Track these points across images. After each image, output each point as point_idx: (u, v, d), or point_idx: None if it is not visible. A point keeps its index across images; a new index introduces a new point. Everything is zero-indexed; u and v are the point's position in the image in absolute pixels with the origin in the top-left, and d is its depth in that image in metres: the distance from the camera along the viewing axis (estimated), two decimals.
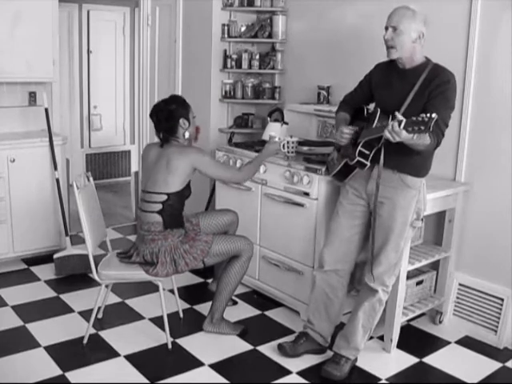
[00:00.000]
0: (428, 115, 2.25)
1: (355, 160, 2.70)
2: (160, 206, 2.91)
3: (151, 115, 3.04)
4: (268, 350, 3.04)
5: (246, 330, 3.18)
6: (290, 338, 3.08)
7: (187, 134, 3.00)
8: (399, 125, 2.33)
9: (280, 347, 2.98)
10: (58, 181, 4.16)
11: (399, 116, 2.38)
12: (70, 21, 6.22)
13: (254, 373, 2.87)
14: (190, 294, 3.75)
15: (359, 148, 2.67)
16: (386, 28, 2.63)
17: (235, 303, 3.56)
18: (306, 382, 2.78)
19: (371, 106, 2.85)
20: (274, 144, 3.13)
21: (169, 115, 2.96)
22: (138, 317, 3.38)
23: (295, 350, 2.96)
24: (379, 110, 2.64)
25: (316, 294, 2.98)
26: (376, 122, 2.60)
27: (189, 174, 2.96)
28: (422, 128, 2.28)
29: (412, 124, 2.30)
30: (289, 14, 4.22)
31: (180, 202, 2.99)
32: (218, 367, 2.86)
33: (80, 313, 3.40)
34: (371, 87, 2.87)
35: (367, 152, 2.67)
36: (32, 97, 4.45)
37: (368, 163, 2.70)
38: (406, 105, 2.62)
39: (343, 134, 2.76)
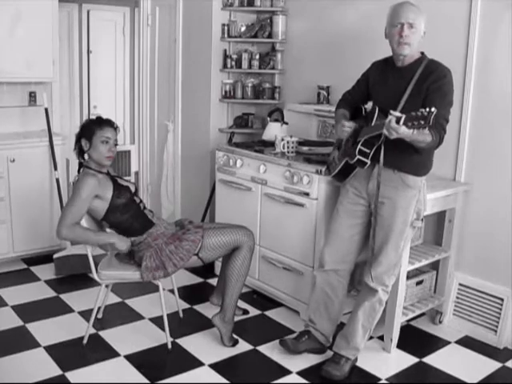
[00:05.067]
0: (427, 110, 2.26)
1: (355, 159, 2.70)
2: (116, 231, 2.97)
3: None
4: (268, 350, 3.04)
5: (237, 341, 3.11)
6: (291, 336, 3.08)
7: (86, 156, 2.97)
8: (398, 121, 2.33)
9: (282, 342, 2.98)
10: (57, 181, 4.16)
11: (397, 113, 2.38)
12: (70, 21, 6.21)
13: (254, 373, 2.87)
14: (190, 294, 3.75)
15: (359, 146, 2.67)
16: (401, 24, 2.59)
17: (246, 312, 3.49)
18: (306, 382, 2.78)
19: (369, 105, 2.86)
20: (126, 242, 2.91)
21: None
22: (137, 317, 3.38)
23: (297, 347, 2.95)
24: (377, 108, 2.64)
25: (316, 294, 2.98)
26: (375, 120, 2.60)
27: (92, 197, 2.85)
28: (422, 123, 2.28)
29: (412, 119, 2.30)
30: (289, 14, 4.22)
31: (120, 215, 2.92)
32: (217, 367, 2.86)
33: (80, 313, 3.40)
34: (368, 85, 2.88)
35: (367, 150, 2.67)
36: (32, 97, 4.45)
37: (368, 161, 2.70)
38: (403, 102, 2.63)
39: (344, 127, 2.76)
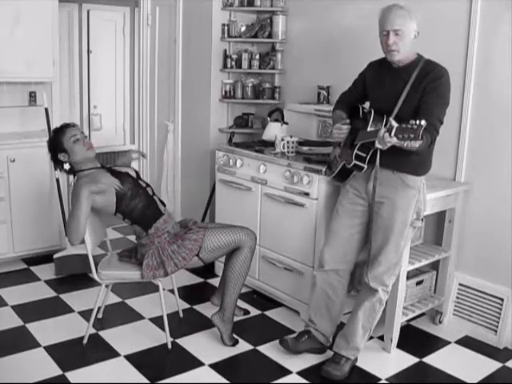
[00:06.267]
0: (417, 122, 2.26)
1: (352, 164, 2.71)
2: (128, 221, 2.98)
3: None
4: (268, 350, 3.04)
5: (237, 341, 3.12)
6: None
7: (67, 166, 2.96)
8: (390, 134, 2.35)
9: (282, 342, 2.98)
10: (57, 180, 4.16)
11: (391, 122, 2.39)
12: (70, 21, 6.23)
13: (254, 373, 2.87)
14: (190, 294, 3.75)
15: (356, 151, 2.68)
16: (387, 32, 2.60)
17: (247, 313, 3.49)
18: (306, 382, 2.78)
19: (367, 105, 2.86)
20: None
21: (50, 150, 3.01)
22: (137, 317, 3.38)
23: (297, 347, 2.95)
24: (373, 111, 2.64)
25: (317, 294, 2.98)
26: (370, 123, 2.61)
27: (92, 195, 2.83)
28: (412, 136, 2.29)
29: (402, 131, 2.32)
30: (289, 14, 4.22)
31: (130, 201, 2.92)
32: (217, 367, 2.86)
33: (80, 313, 3.40)
34: (365, 86, 2.88)
35: (364, 154, 2.68)
36: (32, 97, 4.45)
37: (365, 166, 2.70)
38: (399, 103, 2.63)
39: (341, 129, 2.77)
